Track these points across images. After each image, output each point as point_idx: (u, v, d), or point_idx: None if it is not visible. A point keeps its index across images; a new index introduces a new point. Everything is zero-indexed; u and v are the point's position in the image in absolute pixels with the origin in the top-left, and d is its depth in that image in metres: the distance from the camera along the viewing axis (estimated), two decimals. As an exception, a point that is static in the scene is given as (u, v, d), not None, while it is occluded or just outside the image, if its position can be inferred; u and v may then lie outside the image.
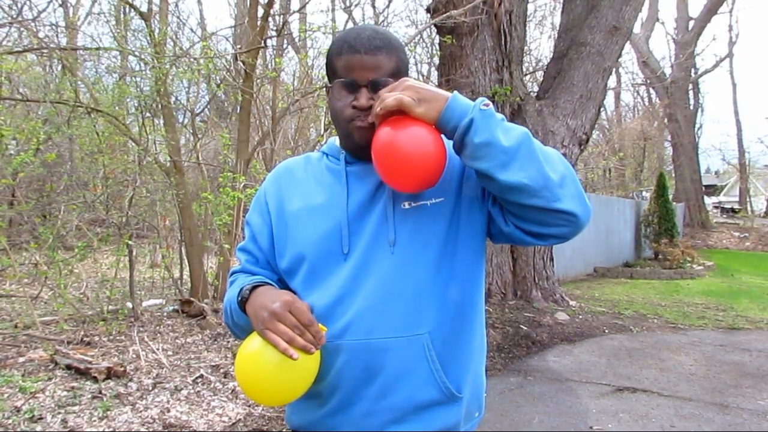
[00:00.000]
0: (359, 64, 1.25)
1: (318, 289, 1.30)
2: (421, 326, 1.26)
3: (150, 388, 4.20)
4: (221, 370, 4.66)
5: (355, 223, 1.30)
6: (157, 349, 5.02)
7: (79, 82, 6.88)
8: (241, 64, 6.82)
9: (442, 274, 1.29)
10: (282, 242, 1.38)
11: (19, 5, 7.44)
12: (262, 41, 6.97)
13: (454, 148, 1.21)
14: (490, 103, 1.19)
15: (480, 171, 1.18)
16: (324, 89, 7.37)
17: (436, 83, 8.87)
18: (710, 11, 23.82)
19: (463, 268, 1.31)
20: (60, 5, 11.13)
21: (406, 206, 1.29)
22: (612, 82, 25.16)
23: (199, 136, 8.39)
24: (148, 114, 7.24)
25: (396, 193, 1.29)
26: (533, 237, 1.24)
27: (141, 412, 3.80)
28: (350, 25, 14.51)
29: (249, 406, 4.05)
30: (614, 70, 13.71)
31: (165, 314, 6.36)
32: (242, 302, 1.26)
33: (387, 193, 1.30)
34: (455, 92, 1.22)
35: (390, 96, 1.19)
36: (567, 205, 1.17)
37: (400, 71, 1.29)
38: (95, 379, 4.21)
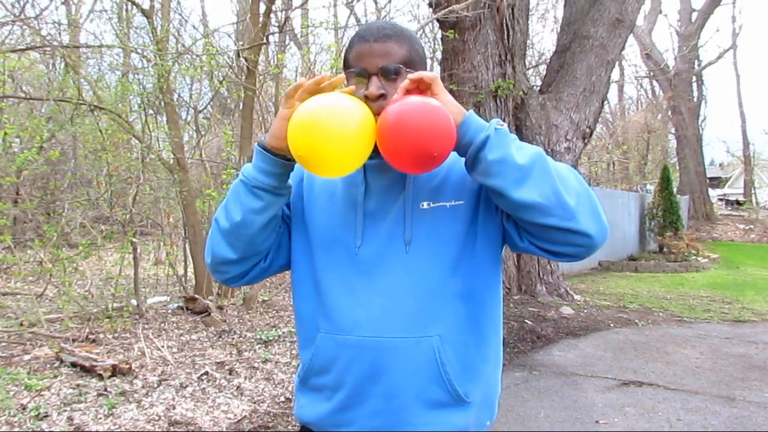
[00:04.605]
0: (368, 51, 1.24)
1: (329, 271, 1.30)
2: (432, 328, 1.24)
3: (155, 385, 4.21)
4: (226, 367, 4.67)
5: (371, 218, 1.29)
6: (162, 347, 5.03)
7: (82, 80, 6.88)
8: (244, 60, 6.81)
9: (458, 277, 1.27)
10: (297, 209, 1.39)
11: (22, 3, 7.44)
12: (265, 37, 6.96)
13: (466, 164, 1.19)
14: (505, 124, 1.18)
15: (493, 188, 1.16)
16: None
17: (439, 78, 8.85)
18: (713, 3, 23.65)
19: (480, 274, 1.29)
20: (62, 3, 11.15)
21: (425, 206, 1.28)
22: (615, 75, 25.07)
23: (202, 132, 8.41)
24: (151, 111, 7.24)
25: (415, 193, 1.27)
26: (548, 254, 1.23)
27: (146, 409, 3.81)
28: (352, 20, 14.45)
29: (254, 402, 4.05)
30: (617, 63, 13.66)
31: (169, 311, 6.37)
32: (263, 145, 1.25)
33: (406, 192, 1.28)
34: (471, 110, 1.20)
35: (415, 74, 1.17)
36: (581, 225, 1.16)
37: (412, 60, 1.26)
38: (100, 377, 4.22)
